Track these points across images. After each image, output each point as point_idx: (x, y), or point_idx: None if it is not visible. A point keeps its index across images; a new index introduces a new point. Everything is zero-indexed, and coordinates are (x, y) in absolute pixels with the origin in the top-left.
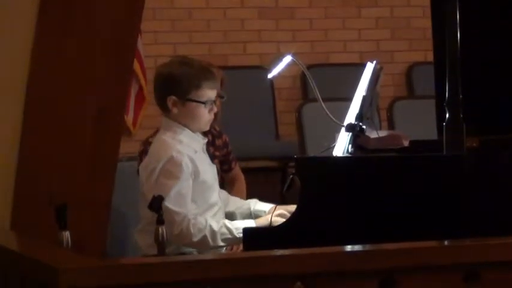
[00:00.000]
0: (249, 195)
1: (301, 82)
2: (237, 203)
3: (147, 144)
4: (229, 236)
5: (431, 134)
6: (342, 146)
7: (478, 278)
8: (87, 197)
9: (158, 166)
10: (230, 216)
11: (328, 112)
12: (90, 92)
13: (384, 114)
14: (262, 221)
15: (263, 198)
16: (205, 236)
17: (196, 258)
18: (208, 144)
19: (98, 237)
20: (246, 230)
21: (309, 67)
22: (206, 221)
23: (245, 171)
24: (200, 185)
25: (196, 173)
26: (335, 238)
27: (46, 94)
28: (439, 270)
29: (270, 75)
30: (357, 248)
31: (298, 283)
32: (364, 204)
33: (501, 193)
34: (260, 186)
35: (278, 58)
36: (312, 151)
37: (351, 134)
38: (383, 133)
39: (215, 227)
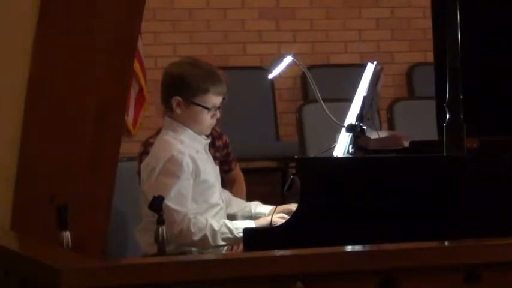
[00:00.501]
0: (249, 196)
1: (302, 83)
2: (239, 205)
3: (147, 145)
4: (230, 236)
5: (431, 134)
6: (342, 146)
7: (478, 278)
8: (87, 197)
9: (159, 165)
10: (232, 218)
11: (328, 113)
12: (90, 92)
13: (384, 114)
14: (263, 222)
15: (263, 199)
16: (205, 235)
17: (196, 258)
18: (208, 145)
19: (98, 237)
20: (246, 230)
21: (310, 68)
22: (206, 220)
23: (245, 171)
24: (201, 184)
25: (197, 173)
26: (335, 238)
27: (46, 94)
28: (440, 271)
29: (270, 76)
30: (357, 248)
31: (299, 283)
32: (364, 205)
33: (501, 194)
34: (260, 187)
35: (278, 59)
36: (312, 152)
37: (351, 134)
38: (383, 134)
39: (215, 226)
